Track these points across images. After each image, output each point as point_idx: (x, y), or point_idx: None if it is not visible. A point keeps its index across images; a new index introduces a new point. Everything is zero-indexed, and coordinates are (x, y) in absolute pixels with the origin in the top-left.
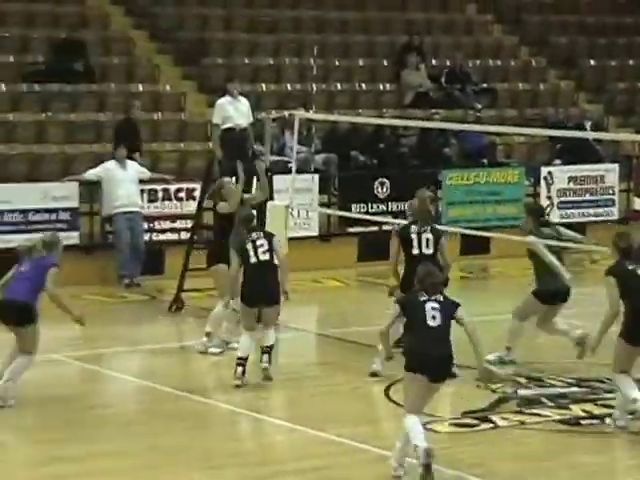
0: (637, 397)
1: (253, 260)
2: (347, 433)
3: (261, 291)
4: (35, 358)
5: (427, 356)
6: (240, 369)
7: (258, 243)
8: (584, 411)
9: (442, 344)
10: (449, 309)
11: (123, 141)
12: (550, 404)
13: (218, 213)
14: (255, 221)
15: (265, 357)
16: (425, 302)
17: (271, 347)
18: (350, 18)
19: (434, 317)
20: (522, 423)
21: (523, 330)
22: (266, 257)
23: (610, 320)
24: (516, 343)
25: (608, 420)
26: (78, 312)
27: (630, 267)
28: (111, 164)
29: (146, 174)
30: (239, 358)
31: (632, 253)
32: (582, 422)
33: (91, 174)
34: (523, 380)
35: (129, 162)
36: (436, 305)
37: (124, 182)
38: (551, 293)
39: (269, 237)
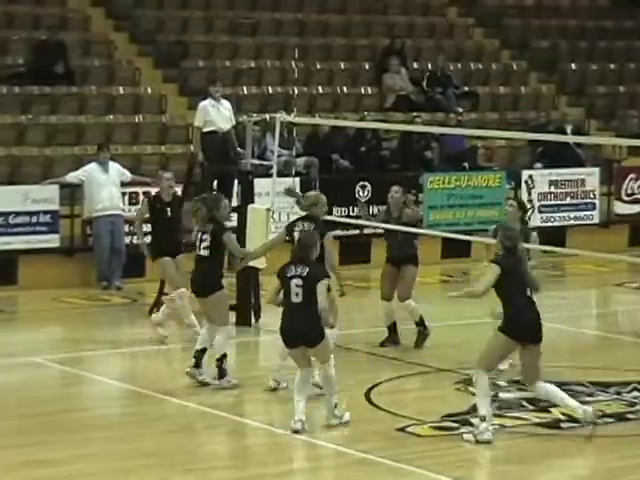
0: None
1: None
2: (328, 436)
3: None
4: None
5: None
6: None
7: None
8: (564, 414)
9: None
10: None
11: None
12: (530, 407)
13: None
14: None
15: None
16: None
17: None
18: (331, 21)
19: (297, 294)
20: (502, 426)
21: None
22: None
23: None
24: None
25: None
26: None
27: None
28: (93, 166)
29: (127, 176)
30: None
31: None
32: (562, 425)
33: (72, 176)
34: (504, 383)
35: (111, 164)
36: (299, 282)
37: (106, 185)
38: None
39: None
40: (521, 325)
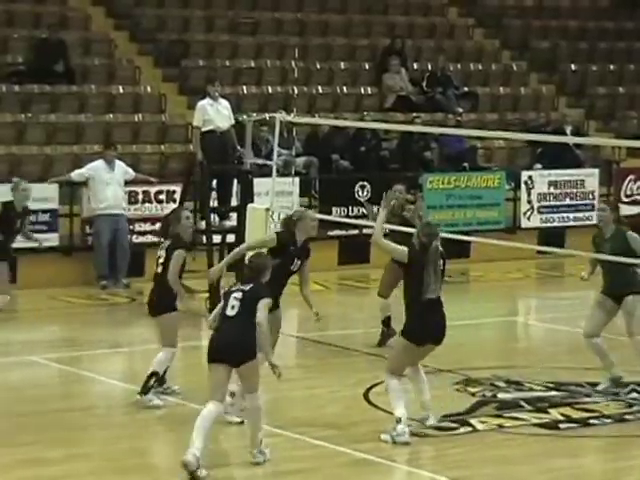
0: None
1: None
2: (326, 436)
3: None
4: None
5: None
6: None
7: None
8: (563, 415)
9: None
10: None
11: None
12: (529, 408)
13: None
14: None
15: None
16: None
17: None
18: (331, 21)
19: (233, 306)
20: (501, 427)
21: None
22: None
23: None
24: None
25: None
26: None
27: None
28: (99, 164)
29: (131, 174)
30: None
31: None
32: (560, 426)
33: (77, 174)
34: (502, 384)
35: (117, 163)
36: (239, 295)
37: (111, 184)
38: None
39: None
40: (422, 329)
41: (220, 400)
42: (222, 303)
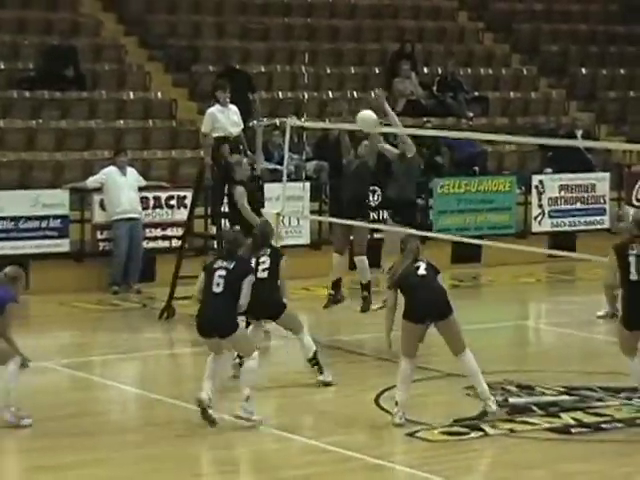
0: None
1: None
2: (337, 441)
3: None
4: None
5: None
6: None
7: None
8: (574, 419)
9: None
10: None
11: None
12: (540, 412)
13: None
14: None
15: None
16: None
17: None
18: (342, 26)
19: (218, 284)
20: (512, 431)
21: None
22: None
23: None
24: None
25: None
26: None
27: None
28: (112, 169)
29: (142, 182)
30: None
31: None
32: (572, 430)
33: (92, 181)
34: (513, 388)
35: (129, 169)
36: (223, 272)
37: (125, 188)
38: None
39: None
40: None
41: (218, 354)
42: (205, 278)
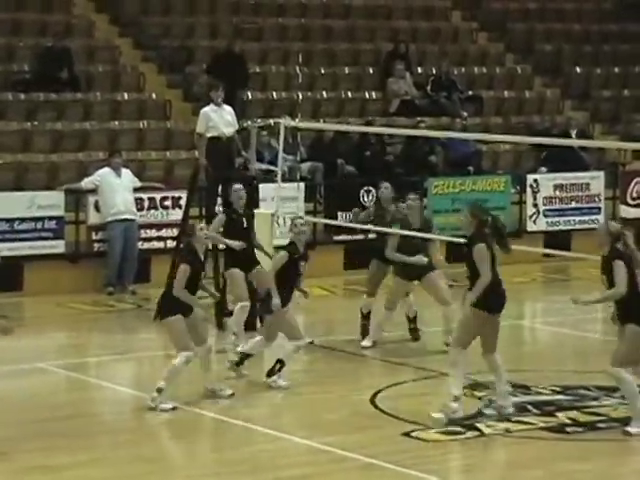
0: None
1: None
2: (333, 441)
3: None
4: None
5: None
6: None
7: None
8: (570, 419)
9: None
10: None
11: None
12: (536, 412)
13: None
14: None
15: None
16: None
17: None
18: (335, 26)
19: None
20: (508, 431)
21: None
22: None
23: None
24: None
25: None
26: None
27: None
28: (106, 171)
29: (137, 183)
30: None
31: None
32: (568, 430)
33: (87, 182)
34: (509, 388)
35: (124, 170)
36: None
37: (120, 190)
38: None
39: None
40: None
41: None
42: None
